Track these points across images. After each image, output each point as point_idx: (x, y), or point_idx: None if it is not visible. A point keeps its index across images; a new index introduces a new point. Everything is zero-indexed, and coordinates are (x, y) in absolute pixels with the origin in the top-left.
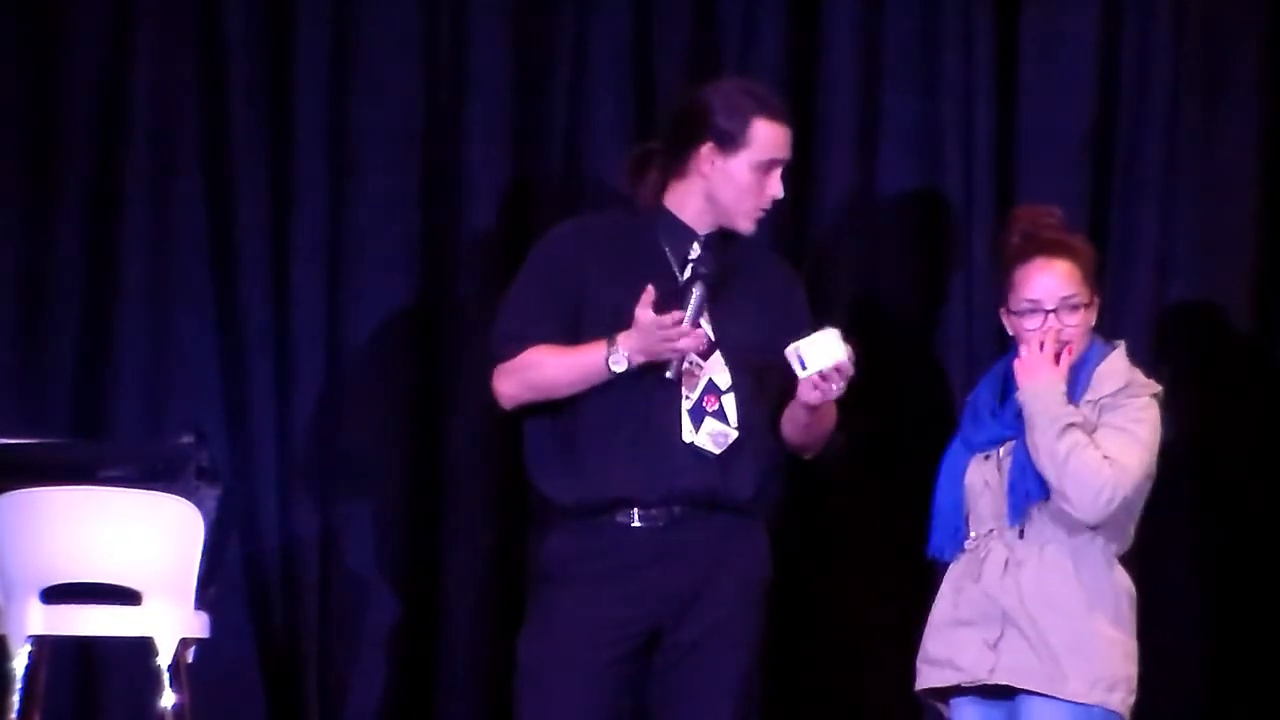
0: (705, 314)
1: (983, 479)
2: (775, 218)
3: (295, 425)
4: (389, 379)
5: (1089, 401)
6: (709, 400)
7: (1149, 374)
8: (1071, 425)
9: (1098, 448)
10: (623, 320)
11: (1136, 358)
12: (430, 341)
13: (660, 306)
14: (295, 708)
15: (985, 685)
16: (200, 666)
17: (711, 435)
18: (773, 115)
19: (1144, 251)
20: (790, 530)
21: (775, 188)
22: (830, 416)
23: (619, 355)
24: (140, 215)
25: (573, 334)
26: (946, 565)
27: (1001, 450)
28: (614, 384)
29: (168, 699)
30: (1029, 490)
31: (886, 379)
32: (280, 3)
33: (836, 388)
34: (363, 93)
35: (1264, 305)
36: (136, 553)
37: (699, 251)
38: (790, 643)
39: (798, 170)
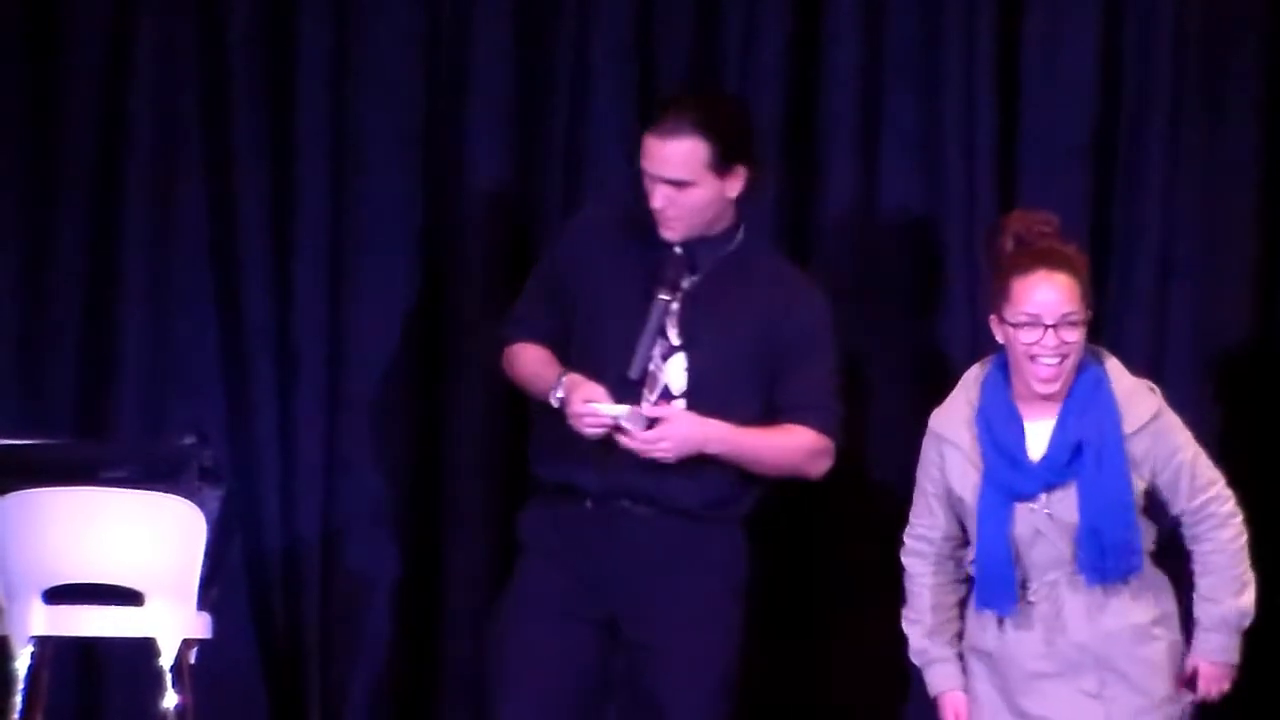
0: (674, 322)
1: (1032, 527)
2: (777, 218)
3: (297, 425)
4: (390, 378)
5: (1132, 435)
6: (662, 405)
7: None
8: (1244, 588)
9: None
10: (602, 314)
11: (1138, 359)
12: (431, 341)
13: (636, 309)
14: (297, 708)
15: None
16: (202, 667)
17: None
18: (648, 128)
19: (1146, 252)
20: (790, 535)
21: (651, 199)
22: (770, 457)
23: (558, 391)
24: (140, 215)
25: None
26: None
27: (1045, 497)
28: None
29: (170, 700)
30: (1118, 570)
31: (887, 380)
32: (281, 3)
33: (653, 452)
34: (364, 93)
35: (1266, 305)
36: (139, 553)
37: (674, 259)
38: (784, 648)
39: (798, 170)
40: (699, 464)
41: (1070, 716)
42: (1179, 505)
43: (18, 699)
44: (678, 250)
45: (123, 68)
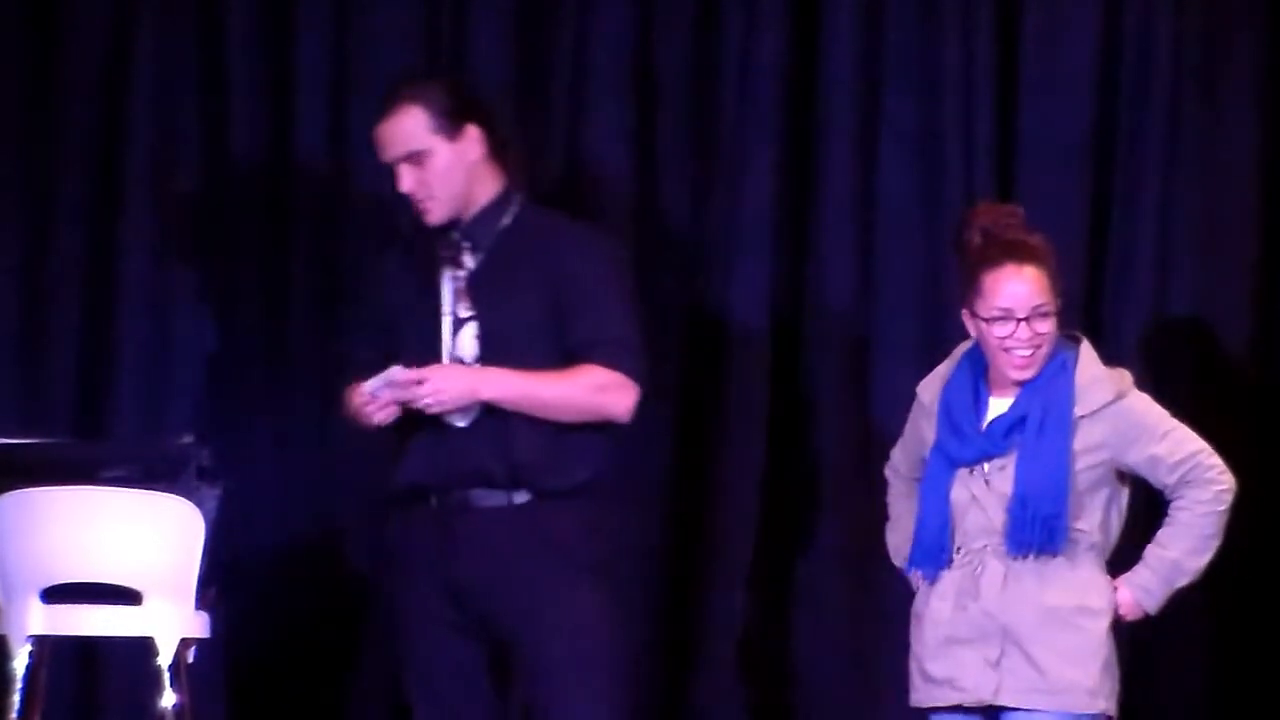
0: (462, 297)
1: (969, 493)
2: (775, 216)
3: (295, 424)
4: None
5: (1086, 418)
6: None
7: (1142, 370)
8: (1199, 552)
9: (1172, 455)
10: (409, 317)
11: (1137, 358)
12: None
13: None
14: (296, 708)
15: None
16: (200, 666)
17: (461, 410)
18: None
19: (1144, 251)
20: (783, 526)
21: (400, 186)
22: (555, 398)
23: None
24: (140, 215)
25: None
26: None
27: (987, 466)
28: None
29: (168, 699)
30: (1038, 542)
31: (886, 379)
32: (281, 2)
33: (426, 399)
34: (363, 93)
35: (1264, 304)
36: (137, 553)
37: (445, 240)
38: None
39: (798, 170)
40: (502, 430)
41: (969, 681)
42: (1160, 481)
43: (16, 698)
44: (454, 235)
45: (123, 68)
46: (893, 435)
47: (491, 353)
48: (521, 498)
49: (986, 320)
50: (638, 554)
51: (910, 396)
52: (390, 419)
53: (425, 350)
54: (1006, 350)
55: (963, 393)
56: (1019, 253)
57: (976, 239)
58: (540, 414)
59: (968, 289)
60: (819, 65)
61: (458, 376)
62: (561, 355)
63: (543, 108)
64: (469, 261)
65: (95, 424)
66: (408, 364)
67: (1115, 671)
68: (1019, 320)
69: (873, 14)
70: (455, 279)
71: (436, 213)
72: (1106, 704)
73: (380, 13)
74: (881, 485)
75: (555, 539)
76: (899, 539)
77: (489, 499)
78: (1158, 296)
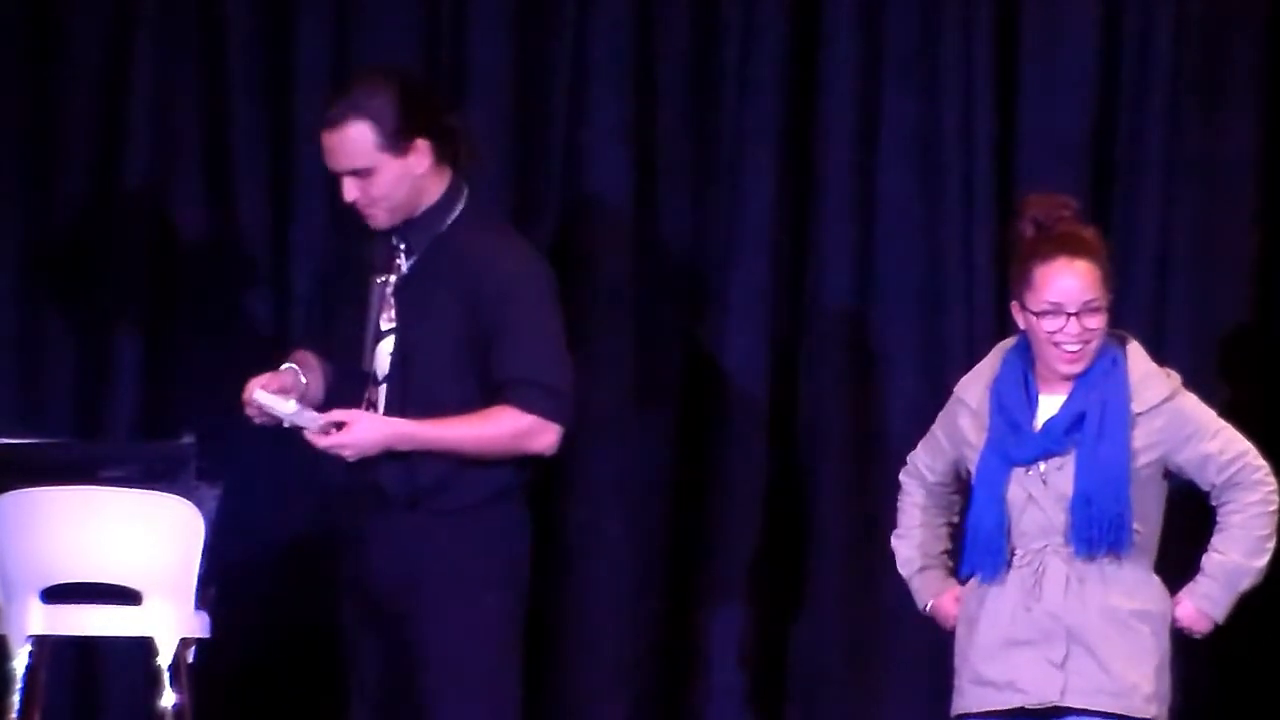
0: (388, 306)
1: (1025, 492)
2: (775, 217)
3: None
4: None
5: (1142, 414)
6: (372, 392)
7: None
8: (1257, 553)
9: (1220, 455)
10: (342, 313)
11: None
12: None
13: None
14: (296, 708)
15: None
16: (200, 666)
17: None
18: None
19: (1144, 251)
20: (783, 527)
21: (344, 194)
22: (470, 446)
23: None
24: (139, 215)
25: None
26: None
27: (1044, 465)
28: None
29: (168, 699)
30: (1106, 542)
31: (886, 380)
32: (281, 2)
33: (330, 449)
34: None
35: (1264, 304)
36: (137, 553)
37: (383, 244)
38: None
39: (798, 170)
40: (410, 454)
41: (1030, 682)
42: (1208, 481)
43: (15, 698)
44: (392, 237)
45: (123, 68)
46: (892, 435)
47: (400, 371)
48: (420, 511)
49: (1036, 314)
50: (638, 554)
51: (910, 396)
52: (262, 424)
53: (348, 362)
54: (1055, 344)
55: (1015, 390)
56: (1072, 246)
57: (1029, 230)
58: (453, 456)
59: (1019, 281)
60: (819, 65)
61: (369, 432)
62: (478, 379)
63: (543, 108)
64: (402, 266)
65: (95, 424)
66: (340, 367)
67: (1168, 677)
68: (1069, 315)
69: (873, 14)
70: (385, 284)
71: (382, 220)
72: (1158, 709)
73: (380, 13)
74: (881, 485)
75: (449, 551)
76: (910, 550)
77: (390, 511)
78: (1158, 296)
